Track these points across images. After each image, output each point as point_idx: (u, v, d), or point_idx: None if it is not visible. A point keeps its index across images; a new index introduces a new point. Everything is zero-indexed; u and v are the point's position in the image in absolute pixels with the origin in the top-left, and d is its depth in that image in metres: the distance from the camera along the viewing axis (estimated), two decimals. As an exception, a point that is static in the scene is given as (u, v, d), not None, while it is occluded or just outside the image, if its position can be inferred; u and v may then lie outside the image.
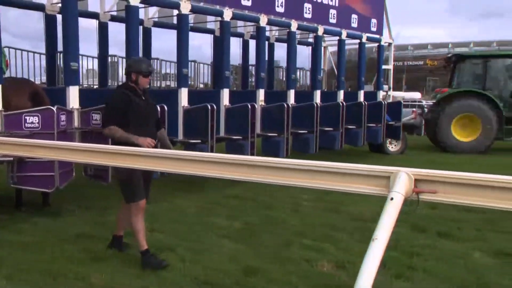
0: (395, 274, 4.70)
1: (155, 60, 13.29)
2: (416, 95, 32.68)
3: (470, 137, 15.27)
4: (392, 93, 15.53)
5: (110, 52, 11.20)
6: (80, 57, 9.35)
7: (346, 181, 2.12)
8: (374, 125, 12.37)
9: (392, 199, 1.93)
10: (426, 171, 1.99)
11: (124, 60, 9.44)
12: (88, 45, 12.35)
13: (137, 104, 4.99)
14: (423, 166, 2.17)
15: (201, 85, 17.45)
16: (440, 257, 5.21)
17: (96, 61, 11.41)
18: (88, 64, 12.58)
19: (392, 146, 14.57)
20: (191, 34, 10.54)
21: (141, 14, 10.45)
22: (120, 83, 12.92)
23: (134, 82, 5.09)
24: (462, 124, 15.38)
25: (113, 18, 10.40)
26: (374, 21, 13.31)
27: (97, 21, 10.29)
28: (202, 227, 6.28)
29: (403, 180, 1.95)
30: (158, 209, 7.08)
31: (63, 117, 6.47)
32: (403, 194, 1.95)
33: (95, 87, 13.26)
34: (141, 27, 10.44)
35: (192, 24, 11.15)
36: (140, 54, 9.79)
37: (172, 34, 8.84)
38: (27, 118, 6.25)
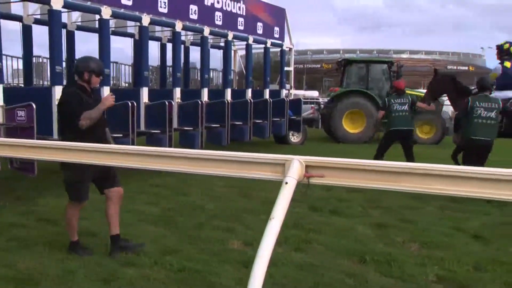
0: (294, 248, 4.83)
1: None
2: (314, 93, 33.59)
3: (357, 129, 15.93)
4: (293, 91, 15.85)
5: (37, 52, 10.66)
6: (5, 57, 8.84)
7: (248, 168, 2.15)
8: (278, 119, 12.57)
9: (286, 183, 1.97)
10: (315, 158, 2.05)
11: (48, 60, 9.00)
12: (16, 46, 11.67)
13: (88, 104, 4.54)
14: (319, 154, 2.24)
15: (126, 84, 17.01)
16: (331, 232, 5.40)
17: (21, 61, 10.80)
18: (13, 64, 11.86)
19: (294, 138, 14.87)
20: (112, 37, 10.25)
21: (65, 18, 10.07)
22: (47, 82, 12.39)
23: (86, 81, 4.61)
24: (351, 118, 16.00)
25: (37, 21, 9.87)
26: (277, 29, 13.52)
27: (21, 24, 9.71)
28: (125, 213, 6.11)
29: (295, 166, 2.00)
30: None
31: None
32: (296, 179, 1.99)
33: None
34: (64, 30, 10.03)
35: (113, 28, 10.85)
36: (64, 56, 9.43)
37: (96, 37, 8.56)
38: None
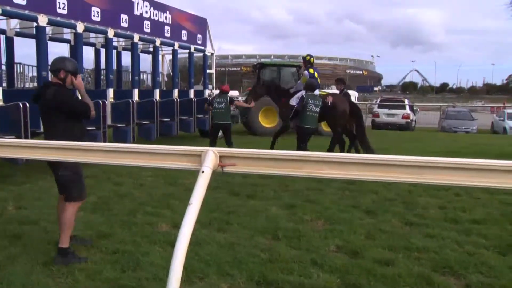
0: (217, 228, 4.82)
1: (18, 65, 12.02)
2: (235, 93, 33.59)
3: (271, 124, 16.11)
4: (215, 91, 15.79)
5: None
6: None
7: (168, 159, 2.12)
8: (202, 116, 12.48)
9: (203, 172, 1.97)
10: (228, 149, 2.06)
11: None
12: None
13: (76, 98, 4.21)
14: (238, 146, 2.25)
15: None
16: (248, 213, 5.43)
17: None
18: None
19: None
20: (50, 43, 9.78)
21: (4, 25, 9.62)
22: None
23: (61, 80, 4.05)
24: (266, 114, 16.16)
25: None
26: (199, 36, 13.40)
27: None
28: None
29: (210, 157, 2.00)
30: (23, 190, 6.49)
31: None
32: (211, 168, 1.99)
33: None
34: (4, 36, 9.60)
35: (50, 35, 10.33)
36: (3, 60, 8.88)
37: (35, 42, 8.10)
38: None
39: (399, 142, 14.44)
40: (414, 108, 24.71)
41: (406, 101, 23.91)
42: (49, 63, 8.17)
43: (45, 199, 5.99)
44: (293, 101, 9.59)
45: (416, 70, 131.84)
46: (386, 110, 22.23)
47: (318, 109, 8.50)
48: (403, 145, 13.28)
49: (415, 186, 6.69)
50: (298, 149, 8.71)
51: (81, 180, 4.07)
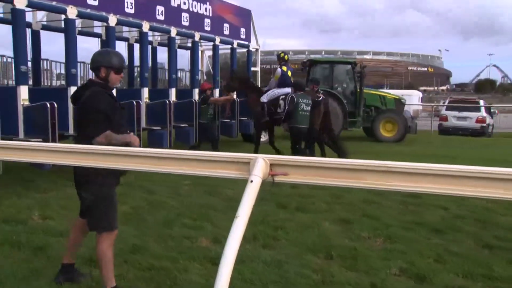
0: (262, 244, 4.82)
1: (45, 61, 12.53)
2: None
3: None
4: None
5: (1, 52, 10.42)
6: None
7: (214, 167, 2.13)
8: (245, 118, 12.56)
9: (251, 181, 1.97)
10: (279, 157, 2.05)
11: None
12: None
13: (117, 110, 3.77)
14: (287, 153, 2.24)
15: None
16: (297, 228, 5.41)
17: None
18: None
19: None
20: (79, 37, 10.09)
21: (30, 17, 9.88)
22: (12, 82, 12.05)
23: (103, 79, 3.72)
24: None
25: (1, 20, 9.63)
26: (243, 30, 13.52)
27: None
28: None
29: (260, 165, 1.99)
30: (49, 197, 6.74)
31: None
32: (260, 177, 1.99)
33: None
34: (29, 30, 9.81)
35: (79, 28, 10.68)
36: (29, 56, 9.23)
37: (63, 37, 8.40)
38: None
39: (471, 148, 14.01)
40: (492, 110, 23.84)
41: (482, 102, 23.09)
42: (77, 59, 8.56)
43: (72, 208, 6.14)
44: (264, 98, 10.58)
45: (494, 65, 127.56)
46: (456, 113, 21.58)
47: (309, 108, 9.54)
48: (477, 152, 12.87)
49: (495, 203, 6.42)
50: (294, 150, 9.69)
51: (114, 205, 3.71)
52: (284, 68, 11.23)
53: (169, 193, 7.15)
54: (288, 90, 10.84)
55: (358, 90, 16.01)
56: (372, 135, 16.51)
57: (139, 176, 7.94)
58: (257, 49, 14.80)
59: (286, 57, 11.45)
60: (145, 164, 2.44)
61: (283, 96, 10.70)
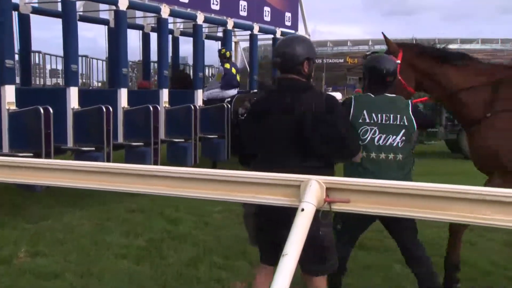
0: None
1: (37, 54, 12.82)
2: (337, 95, 33.48)
3: None
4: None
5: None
6: None
7: (253, 190, 2.14)
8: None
9: (302, 210, 1.97)
10: (338, 179, 2.05)
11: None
12: None
13: None
14: (342, 173, 2.24)
15: (99, 84, 17.05)
16: (357, 269, 5.34)
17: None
18: None
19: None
20: (81, 24, 10.17)
21: None
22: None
23: (308, 76, 3.61)
24: None
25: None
26: (288, 15, 13.55)
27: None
28: (97, 247, 6.12)
29: (314, 189, 1.99)
30: (41, 228, 6.87)
31: None
32: (314, 205, 1.99)
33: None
34: (16, 14, 9.78)
35: (81, 13, 10.79)
36: (16, 46, 9.29)
37: (57, 23, 8.48)
38: None
39: None
40: None
41: None
42: (78, 51, 8.65)
43: (71, 242, 6.32)
44: (204, 96, 11.05)
45: None
46: None
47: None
48: None
49: None
50: None
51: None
52: (227, 65, 11.75)
53: (195, 223, 7.20)
54: (234, 92, 11.39)
55: None
56: (458, 150, 16.19)
57: (158, 202, 8.03)
58: (306, 39, 14.83)
59: (228, 53, 11.95)
60: (166, 187, 2.47)
61: (229, 99, 11.03)
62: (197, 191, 2.36)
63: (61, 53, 11.12)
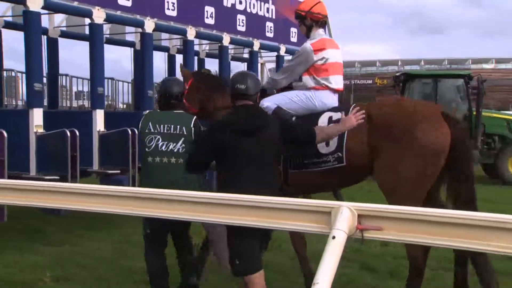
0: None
1: (64, 77, 13.01)
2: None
3: None
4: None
5: (8, 65, 10.86)
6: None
7: (281, 217, 2.13)
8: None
9: (334, 237, 1.95)
10: (370, 205, 2.02)
11: (24, 75, 9.14)
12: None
13: None
14: (374, 199, 2.21)
15: (124, 106, 17.20)
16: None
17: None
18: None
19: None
20: (106, 46, 10.31)
21: (45, 22, 10.08)
22: (20, 102, 12.64)
23: None
24: None
25: (8, 25, 10.09)
26: (315, 35, 13.52)
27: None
28: (117, 272, 6.14)
29: (345, 216, 1.97)
30: (62, 252, 6.95)
31: None
32: (346, 232, 1.97)
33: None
34: (45, 37, 10.09)
35: (107, 35, 10.96)
36: (45, 69, 9.49)
37: (84, 46, 8.66)
38: None
39: None
40: None
41: None
42: (104, 74, 8.76)
43: (92, 267, 6.34)
44: None
45: None
46: None
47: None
48: None
49: None
50: None
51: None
52: None
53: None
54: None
55: (474, 112, 15.53)
56: (496, 175, 15.85)
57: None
58: (334, 60, 14.81)
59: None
60: (192, 212, 2.46)
61: None
62: (224, 217, 2.35)
63: (83, 74, 11.30)
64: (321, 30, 5.92)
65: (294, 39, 12.72)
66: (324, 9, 6.00)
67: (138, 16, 9.08)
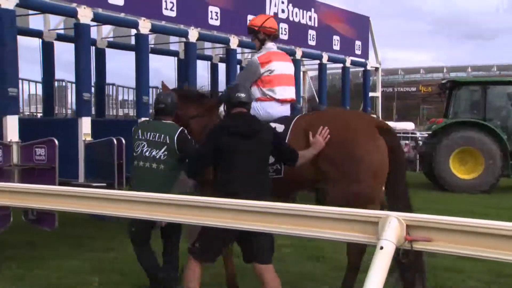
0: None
1: (111, 86, 13.26)
2: (409, 125, 33.01)
3: (471, 174, 15.24)
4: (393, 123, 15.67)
5: (59, 75, 11.11)
6: (21, 81, 9.23)
7: (328, 227, 2.12)
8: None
9: (381, 248, 1.93)
10: (419, 216, 2.00)
11: (74, 85, 9.38)
12: (30, 67, 12.37)
13: None
14: (420, 208, 2.18)
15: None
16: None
17: (40, 85, 11.33)
18: (30, 89, 12.48)
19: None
20: (151, 56, 10.50)
21: (93, 33, 10.33)
22: (69, 110, 12.92)
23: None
24: (462, 158, 15.38)
25: (60, 37, 10.37)
26: (358, 43, 13.49)
27: (41, 40, 10.17)
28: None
29: (393, 226, 1.95)
30: (106, 259, 7.14)
31: (-2, 152, 6.39)
32: (394, 243, 1.94)
33: (39, 115, 13.14)
34: (93, 48, 10.26)
35: (152, 45, 11.14)
36: (93, 79, 9.73)
37: (130, 56, 8.83)
38: None
39: None
40: None
41: None
42: (149, 83, 8.91)
43: (131, 275, 6.40)
44: None
45: None
46: None
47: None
48: None
49: None
50: None
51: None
52: None
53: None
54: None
55: None
56: None
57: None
58: (377, 68, 14.73)
59: None
60: (232, 219, 2.47)
61: None
62: (269, 225, 2.34)
63: (126, 82, 11.48)
64: (271, 44, 6.22)
65: (336, 47, 12.69)
66: (275, 24, 6.40)
67: (182, 26, 9.21)
